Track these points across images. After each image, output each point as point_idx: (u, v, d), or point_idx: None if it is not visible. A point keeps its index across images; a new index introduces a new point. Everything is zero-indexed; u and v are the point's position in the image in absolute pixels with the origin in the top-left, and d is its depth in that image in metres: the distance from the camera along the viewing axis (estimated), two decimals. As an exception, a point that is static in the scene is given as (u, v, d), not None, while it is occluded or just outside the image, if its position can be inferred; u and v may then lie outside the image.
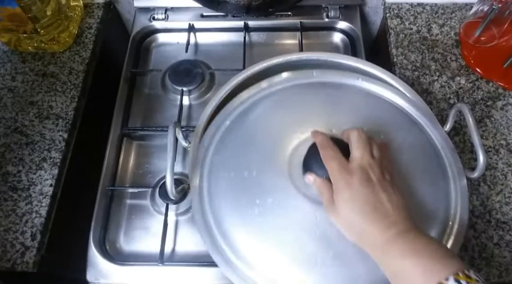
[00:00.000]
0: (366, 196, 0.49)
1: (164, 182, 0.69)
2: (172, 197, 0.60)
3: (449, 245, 0.57)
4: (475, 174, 0.59)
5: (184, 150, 0.76)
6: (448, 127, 0.65)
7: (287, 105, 0.66)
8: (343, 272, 0.53)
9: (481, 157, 0.58)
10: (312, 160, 0.55)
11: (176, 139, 0.62)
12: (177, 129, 0.61)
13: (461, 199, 0.59)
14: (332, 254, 0.53)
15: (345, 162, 0.51)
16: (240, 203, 0.58)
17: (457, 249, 0.57)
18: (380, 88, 0.68)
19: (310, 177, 0.54)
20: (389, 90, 0.67)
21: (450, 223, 0.58)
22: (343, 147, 0.53)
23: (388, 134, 0.61)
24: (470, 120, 0.60)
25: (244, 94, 0.68)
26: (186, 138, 0.65)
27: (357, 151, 0.51)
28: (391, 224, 0.47)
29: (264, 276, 0.54)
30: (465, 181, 0.61)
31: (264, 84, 0.68)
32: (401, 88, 0.68)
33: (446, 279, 0.42)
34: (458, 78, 0.80)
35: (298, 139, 0.60)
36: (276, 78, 0.69)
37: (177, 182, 0.72)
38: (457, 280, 0.42)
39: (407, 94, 0.67)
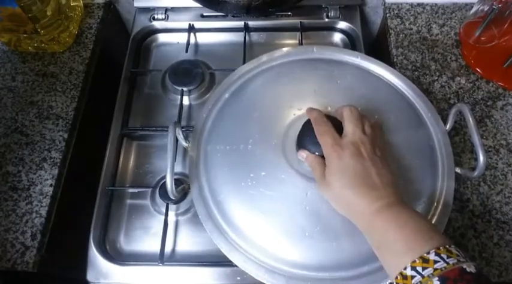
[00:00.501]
0: (356, 170, 0.50)
1: (164, 182, 0.69)
2: (172, 197, 0.60)
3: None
4: (475, 173, 0.59)
5: (184, 150, 0.76)
6: (448, 127, 0.66)
7: (286, 80, 0.68)
8: (328, 245, 0.56)
9: (481, 157, 0.58)
10: (305, 137, 0.57)
11: (176, 139, 0.62)
12: (177, 129, 0.61)
13: (448, 181, 0.61)
14: (319, 229, 0.56)
15: (338, 137, 0.53)
16: (234, 175, 0.60)
17: (441, 229, 0.58)
18: (379, 68, 0.70)
19: (303, 154, 0.56)
20: (388, 71, 0.70)
21: (435, 203, 0.60)
22: (337, 125, 0.55)
23: (383, 114, 0.63)
24: (470, 120, 0.60)
25: (245, 68, 0.70)
26: (186, 138, 0.65)
27: (349, 127, 0.53)
28: (378, 198, 0.49)
29: (253, 244, 0.57)
30: (453, 163, 0.63)
31: (264, 58, 0.71)
32: (404, 85, 0.68)
33: (428, 253, 0.43)
34: (459, 78, 0.80)
35: (295, 115, 0.63)
36: (277, 53, 0.71)
37: (177, 182, 0.72)
38: (438, 254, 0.43)
39: (410, 91, 0.68)
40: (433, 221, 0.58)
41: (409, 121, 0.65)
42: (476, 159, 0.60)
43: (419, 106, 0.67)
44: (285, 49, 0.72)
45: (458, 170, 0.63)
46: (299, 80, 0.67)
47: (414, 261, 0.43)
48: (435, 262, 0.42)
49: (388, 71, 0.69)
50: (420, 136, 0.64)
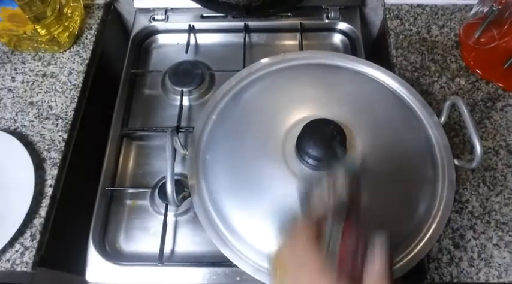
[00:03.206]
0: None
1: (164, 182, 0.69)
2: (174, 206, 0.59)
3: (433, 226, 0.58)
4: (474, 164, 0.59)
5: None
6: (443, 120, 0.66)
7: (285, 85, 0.67)
8: None
9: (478, 146, 0.57)
10: (305, 139, 0.56)
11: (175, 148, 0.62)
12: (174, 137, 0.61)
13: (448, 177, 0.61)
14: None
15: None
16: (234, 182, 0.60)
17: (441, 229, 0.58)
18: (379, 73, 0.70)
19: None
20: (388, 76, 0.69)
21: (435, 208, 0.59)
22: (337, 130, 0.55)
23: (382, 119, 0.62)
24: (464, 111, 0.60)
25: (243, 73, 0.70)
26: (184, 145, 0.65)
27: None
28: None
29: (256, 251, 0.56)
30: (452, 157, 0.63)
31: (262, 62, 0.71)
32: (402, 88, 0.69)
33: None
34: (458, 79, 0.80)
35: (294, 121, 0.62)
36: (275, 58, 0.71)
37: (177, 183, 0.72)
38: None
39: (408, 94, 0.68)
40: (438, 216, 0.58)
41: (408, 124, 0.65)
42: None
43: (419, 110, 0.67)
44: (283, 54, 0.71)
45: (456, 162, 0.63)
46: (298, 85, 0.67)
47: None
48: None
49: (389, 76, 0.69)
50: (419, 138, 0.64)
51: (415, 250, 0.57)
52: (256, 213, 0.58)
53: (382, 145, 0.59)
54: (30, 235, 0.66)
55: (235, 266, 0.56)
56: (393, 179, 0.59)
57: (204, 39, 0.93)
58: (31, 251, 0.65)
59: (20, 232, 0.66)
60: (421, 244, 0.57)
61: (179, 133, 0.76)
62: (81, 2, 0.88)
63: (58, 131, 0.75)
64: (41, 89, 0.80)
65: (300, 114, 0.62)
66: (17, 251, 0.65)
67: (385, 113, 0.64)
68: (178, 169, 0.76)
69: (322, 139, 0.55)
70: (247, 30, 0.91)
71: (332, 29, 0.93)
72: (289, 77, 0.69)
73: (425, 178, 0.61)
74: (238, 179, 0.60)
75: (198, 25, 0.92)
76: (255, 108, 0.66)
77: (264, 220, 0.57)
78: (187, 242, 0.71)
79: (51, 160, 0.72)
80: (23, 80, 0.81)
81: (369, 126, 0.62)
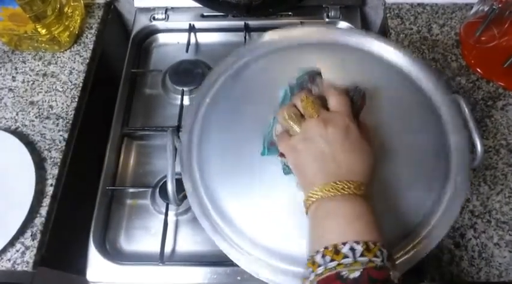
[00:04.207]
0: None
1: (164, 182, 0.69)
2: (175, 205, 0.59)
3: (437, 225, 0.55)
4: (475, 163, 0.58)
5: (185, 149, 0.76)
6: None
7: (287, 65, 0.62)
8: None
9: (478, 145, 0.57)
10: None
11: (175, 147, 0.61)
12: (175, 137, 0.61)
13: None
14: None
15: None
16: (229, 171, 0.57)
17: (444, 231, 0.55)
18: (387, 47, 0.63)
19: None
20: (400, 51, 0.63)
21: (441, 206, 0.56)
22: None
23: (391, 99, 0.58)
24: (465, 110, 0.59)
25: (241, 50, 0.65)
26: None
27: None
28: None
29: (254, 244, 0.54)
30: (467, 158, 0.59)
31: (265, 38, 0.65)
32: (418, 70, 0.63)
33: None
34: (459, 78, 0.80)
35: None
36: (279, 33, 0.66)
37: (178, 182, 0.72)
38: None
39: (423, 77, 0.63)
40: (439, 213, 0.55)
41: (415, 99, 0.60)
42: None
43: (426, 85, 0.61)
44: (287, 29, 0.66)
45: None
46: (303, 64, 0.60)
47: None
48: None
49: (401, 52, 0.62)
50: (429, 114, 0.59)
51: (416, 249, 0.56)
52: (251, 198, 0.55)
53: (391, 133, 0.55)
54: (31, 235, 0.66)
55: (236, 265, 0.56)
56: (399, 172, 0.55)
57: (204, 38, 0.93)
58: (32, 251, 0.65)
59: (21, 232, 0.66)
60: (422, 244, 0.57)
61: (180, 133, 0.76)
62: (82, 2, 0.88)
63: (59, 131, 0.75)
64: (41, 89, 0.80)
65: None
66: (17, 251, 0.65)
67: (396, 96, 0.59)
68: (178, 168, 0.75)
69: None
70: (247, 29, 0.91)
71: (332, 28, 0.92)
72: (294, 56, 0.63)
73: (435, 173, 0.56)
74: (233, 169, 0.57)
75: (199, 24, 0.92)
76: (253, 90, 0.61)
77: (259, 207, 0.55)
78: (188, 241, 0.71)
79: (52, 159, 0.72)
80: (23, 80, 0.81)
81: (378, 110, 0.57)
